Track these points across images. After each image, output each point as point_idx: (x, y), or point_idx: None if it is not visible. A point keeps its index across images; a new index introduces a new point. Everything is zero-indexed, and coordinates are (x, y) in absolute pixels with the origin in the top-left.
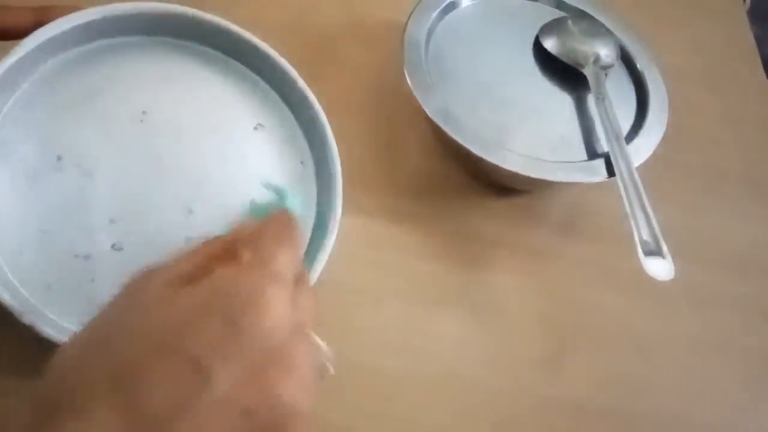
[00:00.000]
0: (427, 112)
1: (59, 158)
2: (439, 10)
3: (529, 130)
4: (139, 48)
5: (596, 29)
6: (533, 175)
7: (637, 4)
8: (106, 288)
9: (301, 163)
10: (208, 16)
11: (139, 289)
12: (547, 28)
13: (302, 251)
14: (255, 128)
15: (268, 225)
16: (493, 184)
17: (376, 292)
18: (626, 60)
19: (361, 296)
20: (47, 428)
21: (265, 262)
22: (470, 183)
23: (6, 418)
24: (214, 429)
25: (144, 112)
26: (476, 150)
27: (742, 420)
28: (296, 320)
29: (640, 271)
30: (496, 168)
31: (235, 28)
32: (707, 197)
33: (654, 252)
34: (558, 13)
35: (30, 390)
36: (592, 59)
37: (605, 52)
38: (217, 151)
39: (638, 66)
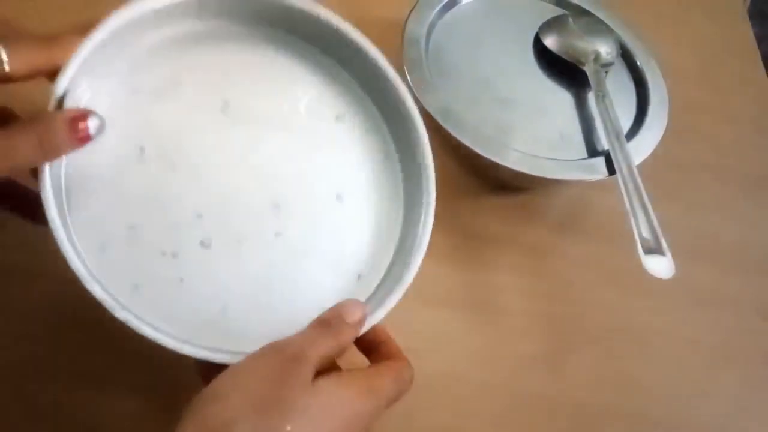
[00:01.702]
0: (428, 110)
1: (142, 150)
2: (439, 7)
3: (529, 127)
4: (220, 36)
5: (596, 27)
6: (533, 173)
7: (638, 2)
8: (195, 289)
9: (385, 155)
10: (300, 3)
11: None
12: (548, 26)
13: None
14: (336, 119)
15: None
16: (493, 181)
17: None
18: (626, 58)
19: None
20: None
21: (388, 400)
22: (470, 180)
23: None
24: None
25: (227, 103)
26: (476, 148)
27: (740, 418)
28: None
29: (640, 269)
30: (496, 166)
31: (325, 16)
32: (707, 195)
33: (654, 250)
34: (558, 11)
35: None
36: (592, 57)
37: (605, 49)
38: (302, 143)
39: (638, 64)
